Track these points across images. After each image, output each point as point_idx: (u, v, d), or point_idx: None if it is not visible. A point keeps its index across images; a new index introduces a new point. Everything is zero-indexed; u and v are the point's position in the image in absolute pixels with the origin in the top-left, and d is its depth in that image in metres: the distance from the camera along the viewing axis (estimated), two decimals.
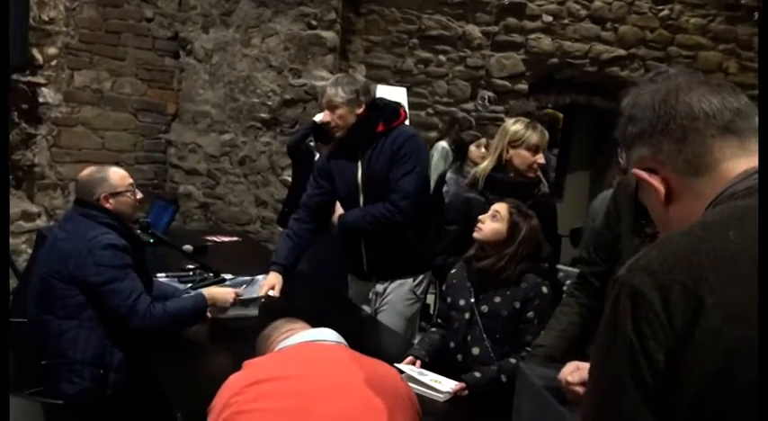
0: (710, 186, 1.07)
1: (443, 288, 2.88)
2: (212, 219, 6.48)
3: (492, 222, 2.68)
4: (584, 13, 7.47)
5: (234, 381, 1.75)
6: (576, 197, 8.06)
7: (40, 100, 5.52)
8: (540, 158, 3.24)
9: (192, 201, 6.48)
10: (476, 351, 2.63)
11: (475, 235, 2.70)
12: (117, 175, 3.06)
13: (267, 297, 3.19)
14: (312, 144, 5.12)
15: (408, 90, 6.84)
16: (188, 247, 3.94)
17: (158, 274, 3.50)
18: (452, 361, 2.67)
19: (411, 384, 2.38)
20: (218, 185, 6.48)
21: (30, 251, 4.86)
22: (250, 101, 6.34)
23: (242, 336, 2.88)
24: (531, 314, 2.59)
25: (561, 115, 8.23)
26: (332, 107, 3.33)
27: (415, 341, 3.11)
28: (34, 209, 5.54)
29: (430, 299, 5.46)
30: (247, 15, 6.28)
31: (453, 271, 2.85)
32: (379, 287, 3.50)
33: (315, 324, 2.10)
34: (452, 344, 2.69)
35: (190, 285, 3.36)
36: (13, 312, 3.31)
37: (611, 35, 7.56)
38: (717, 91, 1.10)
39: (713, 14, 7.63)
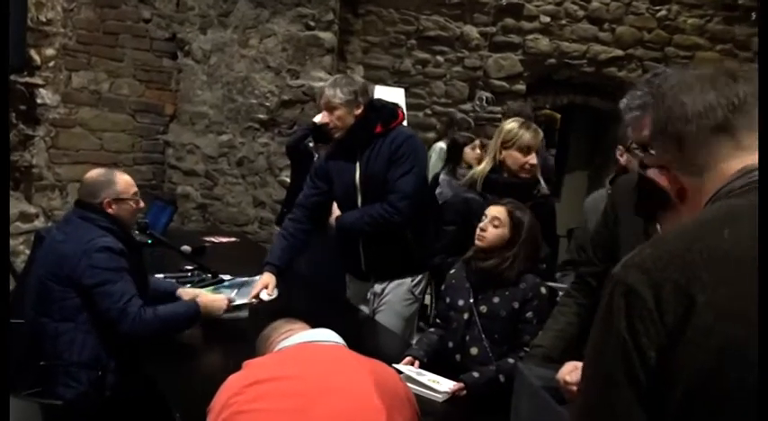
0: (710, 184, 1.08)
1: (442, 288, 2.88)
2: (210, 220, 6.48)
3: (494, 229, 2.68)
4: (581, 13, 7.48)
5: (233, 382, 1.75)
6: (573, 197, 8.05)
7: (38, 101, 5.51)
8: (533, 159, 3.21)
9: (190, 202, 6.48)
10: (474, 351, 2.63)
11: (478, 243, 2.70)
12: (124, 182, 3.05)
13: (259, 300, 3.18)
14: (311, 145, 5.12)
15: (406, 91, 6.84)
16: (186, 248, 3.94)
17: (156, 275, 3.50)
18: (451, 361, 2.68)
19: (409, 384, 2.38)
20: (216, 186, 6.48)
21: (27, 252, 4.85)
22: (248, 102, 6.34)
23: (240, 337, 2.89)
24: (529, 314, 2.59)
25: (559, 116, 8.24)
26: (330, 108, 3.33)
27: (413, 341, 3.11)
28: (32, 210, 5.54)
29: (427, 299, 5.46)
30: (245, 16, 6.28)
31: (452, 271, 2.86)
32: (378, 287, 3.49)
33: (313, 324, 2.11)
34: (451, 344, 2.70)
35: (188, 286, 3.36)
36: (11, 313, 3.30)
37: (609, 36, 7.57)
38: (712, 85, 1.09)
39: (710, 15, 7.64)
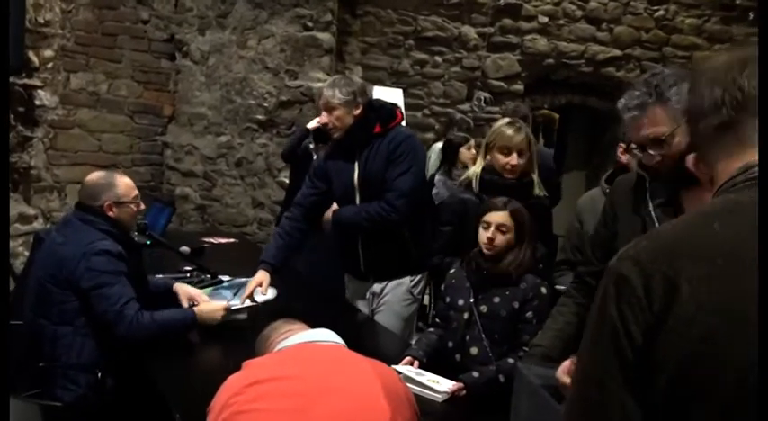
0: (718, 178, 1.10)
1: (442, 288, 2.88)
2: (209, 221, 6.48)
3: (502, 236, 2.69)
4: (579, 13, 7.48)
5: (233, 382, 1.76)
6: (571, 197, 8.02)
7: (37, 102, 5.52)
8: (513, 160, 3.19)
9: (188, 203, 6.48)
10: (474, 351, 2.63)
11: (488, 252, 2.69)
12: (125, 185, 3.05)
13: (257, 303, 3.17)
14: (312, 146, 5.13)
15: (404, 91, 6.84)
16: (185, 249, 3.95)
17: (156, 276, 3.50)
18: (450, 360, 2.68)
19: (409, 385, 2.38)
20: (214, 187, 6.48)
21: (26, 254, 4.86)
22: (246, 102, 6.34)
23: (240, 337, 2.89)
24: (529, 314, 2.60)
25: (557, 116, 8.24)
26: (329, 108, 3.34)
27: (413, 341, 3.11)
28: (31, 211, 5.54)
29: (426, 299, 5.46)
30: (243, 17, 6.28)
31: (452, 271, 2.86)
32: (377, 287, 3.50)
33: (313, 325, 2.11)
34: (451, 344, 2.70)
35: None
36: (10, 314, 3.30)
37: (607, 36, 7.57)
38: (722, 79, 1.09)
39: (708, 15, 7.65)
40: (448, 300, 2.78)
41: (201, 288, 3.33)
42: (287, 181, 5.56)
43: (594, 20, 7.52)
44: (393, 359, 2.58)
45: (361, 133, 3.36)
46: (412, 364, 2.62)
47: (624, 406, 0.97)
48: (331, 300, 3.77)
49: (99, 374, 2.86)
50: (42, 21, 5.42)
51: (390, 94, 5.97)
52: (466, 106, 7.30)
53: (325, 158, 3.59)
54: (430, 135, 7.01)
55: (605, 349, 0.99)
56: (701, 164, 1.14)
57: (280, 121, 6.35)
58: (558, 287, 2.95)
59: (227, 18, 6.29)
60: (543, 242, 3.14)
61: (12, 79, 4.94)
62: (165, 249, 3.79)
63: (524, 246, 2.70)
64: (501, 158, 3.21)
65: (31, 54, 5.32)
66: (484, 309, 2.65)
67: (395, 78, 7.13)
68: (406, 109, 6.03)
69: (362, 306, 3.58)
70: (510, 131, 3.22)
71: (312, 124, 4.81)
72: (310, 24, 6.29)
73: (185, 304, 3.14)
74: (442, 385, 2.45)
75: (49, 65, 5.63)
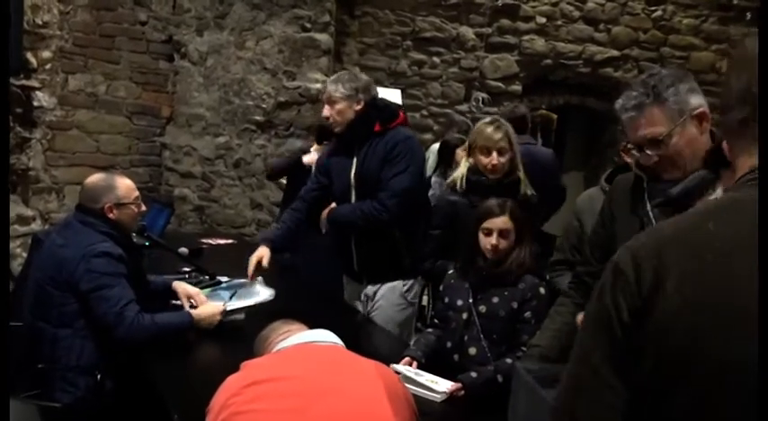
0: (736, 174, 1.10)
1: (441, 288, 2.88)
2: (207, 222, 6.48)
3: (505, 240, 2.69)
4: (577, 14, 7.49)
5: (232, 382, 1.76)
6: (570, 197, 8.05)
7: (35, 104, 5.52)
8: (494, 160, 3.19)
9: (187, 204, 6.48)
10: (473, 351, 2.63)
11: (492, 257, 2.69)
12: (125, 186, 3.05)
13: (256, 304, 3.18)
14: (312, 148, 5.14)
15: (403, 92, 6.84)
16: (183, 250, 3.94)
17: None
18: (449, 361, 2.68)
19: (408, 385, 2.38)
20: (213, 188, 6.48)
21: (25, 255, 4.85)
22: (244, 103, 6.34)
23: (238, 337, 2.89)
24: (528, 314, 2.60)
25: (555, 116, 8.25)
26: (331, 102, 3.39)
27: (411, 342, 3.12)
28: (29, 212, 5.54)
29: (425, 300, 5.46)
30: (241, 18, 6.28)
31: (450, 271, 2.86)
32: (370, 290, 3.51)
33: (311, 325, 2.11)
34: (449, 344, 2.70)
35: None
36: (10, 316, 3.30)
37: (605, 36, 7.58)
38: (752, 64, 1.04)
39: (706, 15, 7.66)
40: (447, 300, 2.78)
41: (200, 289, 3.33)
42: (284, 181, 5.55)
43: (592, 20, 7.52)
44: (391, 359, 2.58)
45: (361, 129, 3.38)
46: (410, 365, 2.62)
47: (614, 388, 1.01)
48: (330, 300, 3.77)
49: (98, 376, 2.86)
50: (40, 22, 5.41)
51: (388, 95, 5.95)
52: (464, 107, 7.30)
53: (328, 154, 3.63)
54: (428, 136, 7.01)
55: (599, 334, 1.03)
56: (730, 153, 1.13)
57: (278, 122, 6.35)
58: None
59: (225, 19, 6.29)
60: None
61: (10, 80, 4.94)
62: (163, 250, 3.79)
63: (524, 245, 2.71)
64: (482, 159, 3.21)
65: (29, 55, 5.32)
66: (483, 309, 2.65)
67: (393, 79, 7.14)
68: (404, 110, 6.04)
69: (360, 307, 3.58)
70: (489, 130, 3.22)
71: (307, 159, 4.87)
72: (308, 25, 6.29)
73: (185, 302, 3.14)
74: (441, 385, 2.45)
75: (48, 66, 5.63)
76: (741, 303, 0.92)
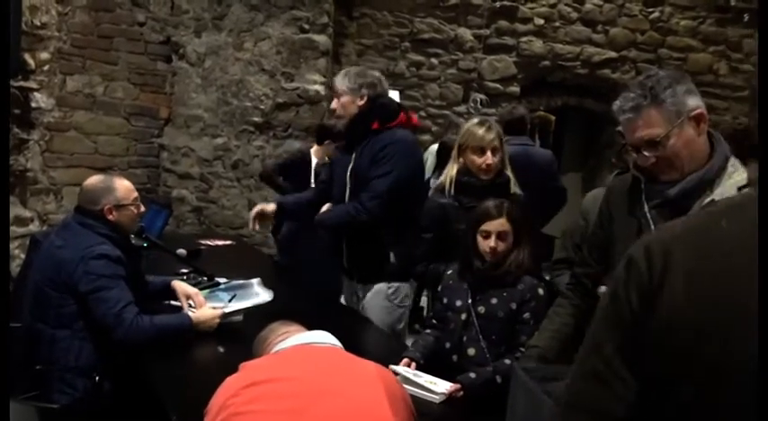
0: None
1: (439, 288, 2.87)
2: (205, 223, 6.48)
3: (503, 242, 2.68)
4: (575, 15, 7.50)
5: (230, 383, 1.76)
6: (568, 198, 8.08)
7: (33, 105, 5.52)
8: (489, 160, 3.15)
9: (185, 205, 6.48)
10: (471, 351, 2.63)
11: (492, 260, 2.68)
12: (124, 188, 3.04)
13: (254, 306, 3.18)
14: (312, 149, 5.15)
15: (401, 93, 6.85)
16: (182, 251, 3.94)
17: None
18: (447, 361, 2.68)
19: (406, 386, 2.38)
20: (211, 189, 6.48)
21: (23, 256, 4.85)
22: (243, 105, 6.34)
23: (237, 338, 2.89)
24: (527, 315, 2.60)
25: (553, 117, 8.26)
26: (337, 94, 3.44)
27: (408, 342, 3.12)
28: (27, 214, 5.54)
29: (423, 301, 5.47)
30: (240, 19, 6.28)
31: (449, 272, 2.86)
32: (360, 289, 3.52)
33: (310, 327, 2.12)
34: (448, 345, 2.70)
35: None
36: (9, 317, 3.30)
37: (602, 38, 7.59)
38: None
39: (703, 17, 7.68)
40: (445, 301, 2.78)
41: (198, 290, 3.33)
42: (281, 184, 5.56)
43: (590, 22, 7.54)
44: (389, 360, 2.58)
45: (360, 126, 3.39)
46: (409, 366, 2.62)
47: (624, 380, 1.02)
48: (328, 301, 3.77)
49: (96, 378, 2.86)
50: (38, 23, 5.41)
51: None
52: (462, 108, 7.31)
53: (338, 149, 3.72)
54: (426, 137, 7.02)
55: (611, 326, 1.05)
56: None
57: (276, 123, 6.35)
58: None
59: (223, 20, 6.29)
60: None
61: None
62: (161, 251, 3.78)
63: (522, 246, 2.71)
64: (476, 159, 3.17)
65: (27, 56, 5.32)
66: (481, 310, 2.65)
67: (391, 80, 7.09)
68: None
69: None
70: (481, 131, 3.18)
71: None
72: (306, 26, 6.30)
73: (183, 302, 3.14)
74: (440, 386, 2.45)
75: (46, 67, 5.63)
76: (741, 301, 0.92)
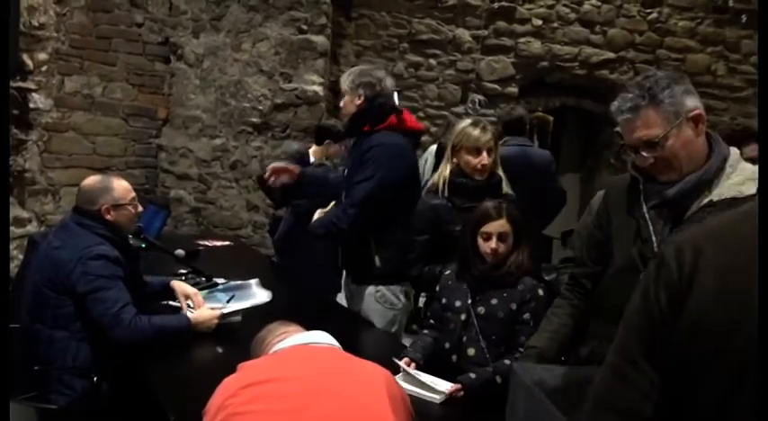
0: None
1: (437, 289, 2.87)
2: (204, 224, 6.48)
3: (503, 243, 2.68)
4: (573, 16, 7.51)
5: (228, 384, 1.76)
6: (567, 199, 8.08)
7: (31, 105, 5.51)
8: (484, 160, 3.13)
9: (183, 206, 6.48)
10: (471, 352, 2.63)
11: (492, 261, 2.67)
12: (121, 187, 3.04)
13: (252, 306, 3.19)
14: (311, 150, 5.14)
15: (399, 94, 6.81)
16: (180, 252, 3.94)
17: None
18: (447, 362, 2.68)
19: (407, 385, 2.40)
20: (209, 190, 6.48)
21: (21, 257, 4.85)
22: (241, 105, 6.34)
23: (235, 339, 2.89)
24: (527, 316, 2.60)
25: (551, 118, 8.27)
26: (342, 92, 3.46)
27: (406, 343, 3.12)
28: (25, 214, 5.54)
29: (421, 302, 5.46)
30: (238, 20, 6.28)
31: (447, 272, 2.86)
32: (354, 290, 3.53)
33: (308, 327, 2.12)
34: (447, 345, 2.70)
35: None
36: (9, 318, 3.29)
37: (601, 38, 7.60)
38: None
39: (701, 17, 7.68)
40: (444, 301, 2.78)
41: (199, 289, 3.32)
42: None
43: (588, 22, 7.54)
44: (387, 361, 2.57)
45: (354, 126, 3.40)
46: (409, 366, 2.61)
47: (651, 379, 1.04)
48: (326, 302, 3.78)
49: (94, 378, 2.86)
50: (37, 24, 5.41)
51: None
52: (460, 109, 7.31)
53: (347, 149, 3.78)
54: (424, 138, 7.01)
55: (640, 326, 1.06)
56: None
57: (274, 124, 6.36)
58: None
59: (221, 21, 6.29)
60: None
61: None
62: (159, 252, 3.78)
63: (522, 247, 2.71)
64: (471, 160, 3.15)
65: (25, 57, 5.32)
66: (481, 310, 2.65)
67: None
68: None
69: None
70: (476, 132, 3.16)
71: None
72: (305, 27, 6.30)
73: (182, 302, 3.14)
74: (440, 386, 2.46)
75: (44, 68, 5.63)
76: (755, 302, 0.94)
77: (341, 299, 4.07)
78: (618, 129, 2.07)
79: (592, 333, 2.28)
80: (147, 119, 6.48)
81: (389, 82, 3.46)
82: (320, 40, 6.36)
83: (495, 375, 2.47)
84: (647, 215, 2.08)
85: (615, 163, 7.40)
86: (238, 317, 3.10)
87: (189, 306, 3.11)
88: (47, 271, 2.91)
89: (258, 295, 3.24)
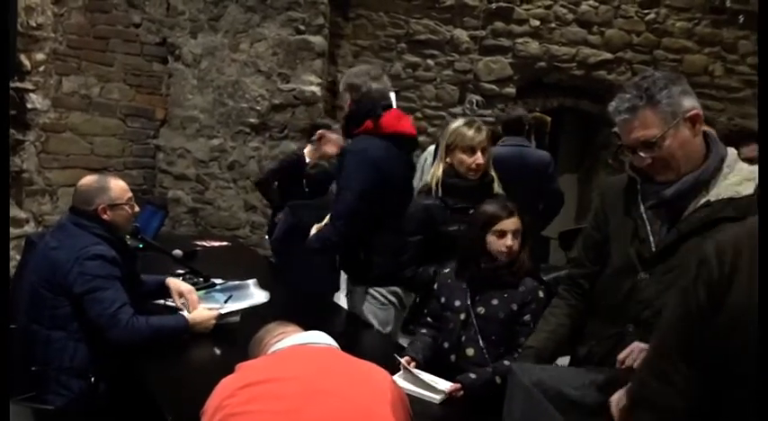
0: None
1: (435, 287, 2.86)
2: (201, 224, 6.48)
3: (516, 240, 2.69)
4: (570, 17, 7.51)
5: (226, 384, 1.76)
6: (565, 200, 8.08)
7: (28, 106, 5.50)
8: (479, 159, 3.12)
9: (181, 207, 6.47)
10: (470, 352, 2.63)
11: (505, 259, 2.67)
12: (118, 187, 3.04)
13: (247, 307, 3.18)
14: (306, 150, 5.14)
15: (397, 94, 6.83)
16: (178, 252, 3.93)
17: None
18: (445, 361, 2.67)
19: (407, 383, 2.40)
20: (207, 190, 6.48)
21: (18, 257, 4.84)
22: (239, 106, 6.34)
23: (232, 339, 2.89)
24: (527, 317, 2.60)
25: (549, 118, 8.28)
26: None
27: (403, 343, 3.12)
28: (22, 215, 5.53)
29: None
30: (235, 20, 6.28)
31: (446, 270, 2.85)
32: (352, 290, 3.54)
33: (306, 327, 2.11)
34: (446, 345, 2.70)
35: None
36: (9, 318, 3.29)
37: (598, 39, 7.60)
38: None
39: (698, 18, 7.69)
40: (443, 300, 2.77)
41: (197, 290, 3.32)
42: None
43: (586, 23, 7.55)
44: (385, 361, 2.57)
45: (344, 129, 3.39)
46: (410, 364, 2.61)
47: (688, 378, 1.07)
48: (324, 302, 3.77)
49: (92, 379, 2.85)
50: (34, 24, 5.40)
51: None
52: (458, 109, 7.32)
53: None
54: (422, 138, 7.01)
55: (680, 326, 1.09)
56: None
57: (272, 125, 6.35)
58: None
59: (219, 21, 6.29)
60: None
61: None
62: (157, 252, 3.78)
63: (526, 247, 2.72)
64: (465, 159, 3.14)
65: (22, 57, 5.30)
66: (481, 310, 2.65)
67: None
68: None
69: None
70: (471, 132, 3.15)
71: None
72: (302, 28, 6.30)
73: (176, 299, 3.13)
74: (441, 385, 2.45)
75: (41, 68, 5.62)
76: None
77: (339, 299, 4.07)
78: (616, 129, 2.07)
79: (589, 333, 2.28)
80: (145, 119, 6.48)
81: (377, 84, 3.35)
82: (318, 40, 6.36)
83: (495, 376, 2.47)
84: (644, 215, 2.08)
85: (613, 163, 7.42)
86: (236, 318, 3.09)
87: (183, 304, 3.11)
88: (44, 271, 2.91)
89: (256, 295, 3.24)
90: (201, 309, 3.04)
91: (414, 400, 2.30)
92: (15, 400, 2.75)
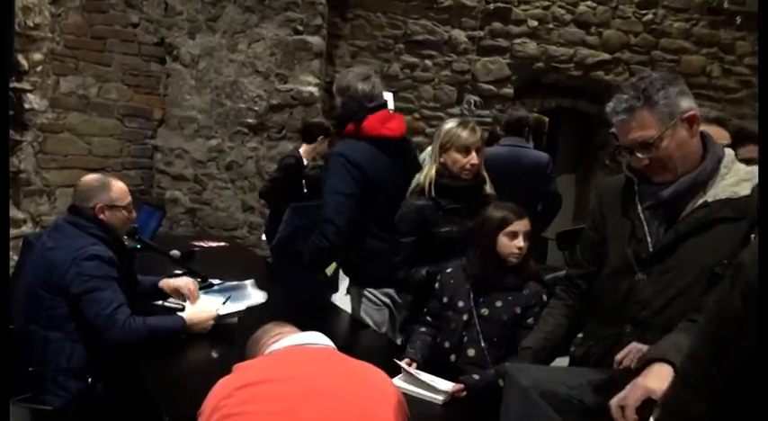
0: None
1: (436, 286, 2.86)
2: (199, 225, 6.47)
3: (526, 242, 2.69)
4: (568, 17, 7.52)
5: (223, 385, 1.75)
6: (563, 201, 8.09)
7: (26, 106, 5.50)
8: (474, 159, 3.11)
9: (178, 207, 6.47)
10: (471, 353, 2.63)
11: (516, 260, 2.67)
12: (119, 189, 3.04)
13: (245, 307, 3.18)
14: (301, 150, 5.14)
15: (395, 95, 6.85)
16: (175, 253, 3.93)
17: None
18: (445, 361, 2.67)
19: (409, 385, 2.39)
20: (204, 191, 6.47)
21: (15, 258, 4.83)
22: (237, 106, 6.34)
23: (230, 340, 2.89)
24: (530, 320, 2.59)
25: (547, 119, 8.28)
26: None
27: (399, 342, 3.11)
28: (20, 215, 5.52)
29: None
30: (234, 21, 6.28)
31: (449, 270, 2.85)
32: (352, 290, 3.54)
33: (303, 328, 2.11)
34: (447, 345, 2.69)
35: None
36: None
37: (596, 39, 7.62)
38: None
39: (696, 19, 7.71)
40: (445, 300, 2.76)
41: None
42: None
43: (584, 24, 7.56)
44: (382, 361, 2.57)
45: (337, 132, 3.40)
46: (409, 365, 2.61)
47: (720, 386, 1.07)
48: (322, 303, 3.77)
49: (89, 379, 2.85)
50: (32, 24, 5.40)
51: None
52: (456, 110, 7.32)
53: None
54: (420, 139, 7.01)
55: (715, 335, 1.09)
56: None
57: (270, 125, 6.35)
58: None
59: (217, 22, 6.29)
60: None
61: None
62: (155, 253, 3.78)
63: (531, 250, 2.72)
64: (460, 159, 3.11)
65: (20, 57, 5.30)
66: (485, 312, 2.64)
67: (385, 82, 7.07)
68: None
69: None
70: (466, 132, 3.13)
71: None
72: (300, 28, 6.30)
73: (177, 297, 3.14)
74: (441, 385, 2.45)
75: (39, 68, 5.61)
76: None
77: (336, 299, 4.07)
78: (613, 130, 2.07)
79: (587, 333, 2.28)
80: (143, 119, 6.47)
81: (363, 85, 3.31)
82: (316, 40, 6.36)
83: (498, 378, 2.46)
84: (641, 216, 2.08)
85: (610, 164, 7.44)
86: (235, 319, 3.09)
87: (183, 300, 3.12)
88: (41, 272, 2.90)
89: (254, 296, 3.24)
90: (200, 309, 3.04)
91: (415, 401, 2.30)
92: (13, 401, 2.74)
